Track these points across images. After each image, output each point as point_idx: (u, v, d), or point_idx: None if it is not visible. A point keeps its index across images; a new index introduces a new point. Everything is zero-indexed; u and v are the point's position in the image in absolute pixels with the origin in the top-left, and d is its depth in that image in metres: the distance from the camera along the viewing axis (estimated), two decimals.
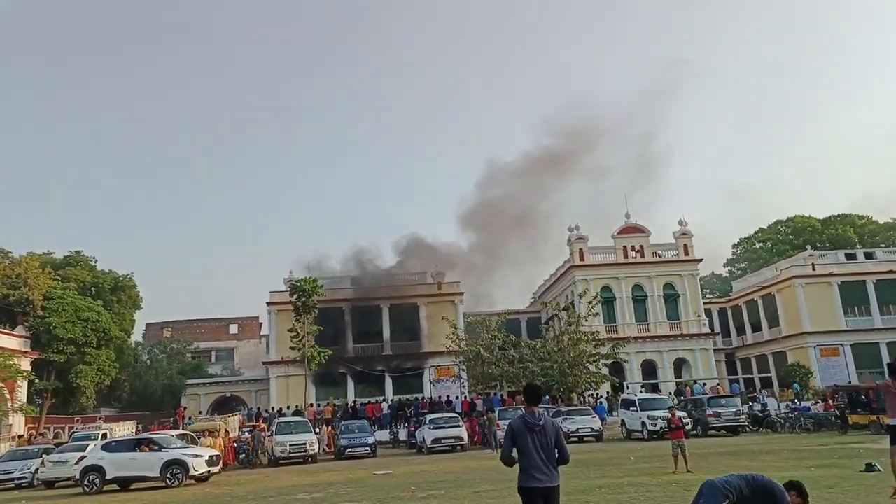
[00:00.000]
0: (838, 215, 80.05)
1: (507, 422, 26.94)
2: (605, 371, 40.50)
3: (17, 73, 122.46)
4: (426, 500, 12.47)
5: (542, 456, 6.17)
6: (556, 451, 6.31)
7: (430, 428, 28.09)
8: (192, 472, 19.45)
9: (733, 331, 59.88)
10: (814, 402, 36.29)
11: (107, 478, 19.44)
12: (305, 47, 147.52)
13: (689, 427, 27.38)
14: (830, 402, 30.38)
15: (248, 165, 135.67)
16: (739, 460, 16.74)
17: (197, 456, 19.84)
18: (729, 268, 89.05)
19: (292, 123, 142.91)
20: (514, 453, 6.34)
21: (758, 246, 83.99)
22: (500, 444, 25.85)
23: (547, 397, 34.73)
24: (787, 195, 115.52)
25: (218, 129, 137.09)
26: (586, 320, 39.40)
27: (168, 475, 19.22)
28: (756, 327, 57.29)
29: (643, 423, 27.66)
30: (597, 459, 18.90)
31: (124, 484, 20.16)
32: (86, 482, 19.36)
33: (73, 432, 36.43)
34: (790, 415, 29.25)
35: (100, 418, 46.88)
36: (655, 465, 16.24)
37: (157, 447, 19.65)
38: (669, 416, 15.10)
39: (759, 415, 30.43)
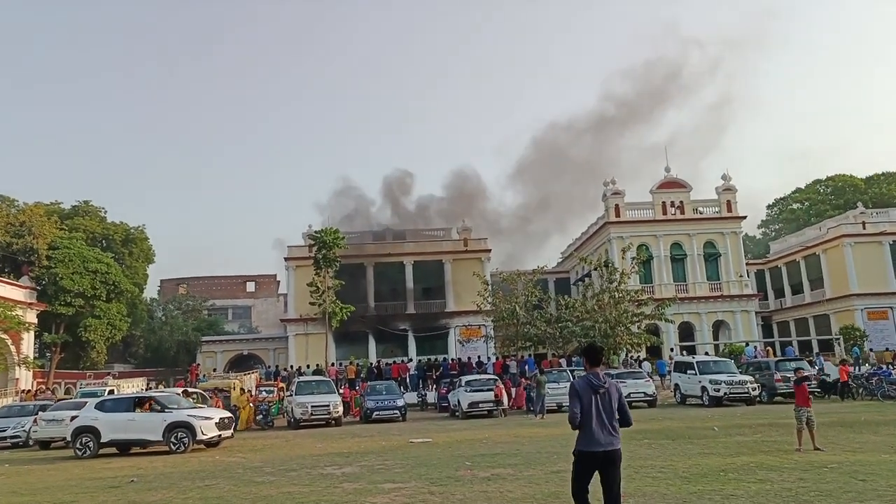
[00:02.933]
0: (883, 174, 75.89)
1: (553, 384, 24.63)
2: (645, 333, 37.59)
3: (32, 17, 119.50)
4: (495, 483, 9.62)
5: (606, 419, 5.89)
6: (619, 414, 6.02)
7: (466, 390, 25.34)
8: (199, 437, 16.76)
9: (771, 293, 56.68)
10: (876, 366, 33.11)
11: (102, 440, 16.87)
12: None
13: (755, 393, 24.62)
14: None
15: (271, 109, 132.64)
16: (859, 433, 13.87)
17: (206, 418, 17.12)
18: (763, 229, 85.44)
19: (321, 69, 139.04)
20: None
21: (794, 206, 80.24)
22: (545, 410, 23.63)
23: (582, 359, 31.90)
24: (856, 157, 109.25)
25: (241, 67, 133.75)
26: (629, 277, 36.39)
27: (172, 439, 16.61)
28: (796, 289, 54.28)
29: (704, 388, 24.74)
30: (675, 430, 16.02)
31: (122, 448, 17.63)
32: (78, 445, 16.83)
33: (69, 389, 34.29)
34: (870, 380, 26.20)
35: (112, 374, 44.99)
36: (759, 439, 13.39)
37: (159, 407, 16.97)
38: (796, 377, 12.11)
39: (827, 380, 27.34)
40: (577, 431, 5.95)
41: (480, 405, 24.66)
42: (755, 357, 34.44)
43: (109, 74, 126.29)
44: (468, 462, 11.92)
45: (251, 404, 26.09)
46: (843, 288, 48.45)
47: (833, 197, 75.01)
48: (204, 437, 16.90)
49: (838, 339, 37.95)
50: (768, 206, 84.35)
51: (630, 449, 12.69)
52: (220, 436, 17.41)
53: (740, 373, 25.75)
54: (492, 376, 28.45)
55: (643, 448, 12.65)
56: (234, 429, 18.97)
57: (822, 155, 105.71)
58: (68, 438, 17.39)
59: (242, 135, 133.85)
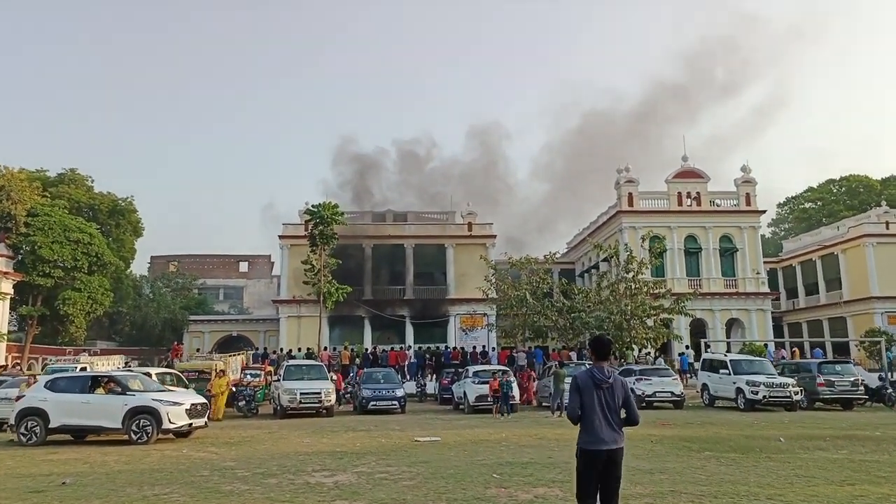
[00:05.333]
0: None
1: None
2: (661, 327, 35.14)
3: None
4: None
5: (609, 416, 5.54)
6: (625, 411, 5.60)
7: (474, 382, 22.86)
8: (165, 426, 14.18)
9: (783, 293, 54.39)
10: None
11: (51, 426, 14.29)
12: None
13: (798, 398, 22.14)
14: None
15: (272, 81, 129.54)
16: None
17: (174, 403, 14.52)
18: (773, 228, 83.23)
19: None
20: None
21: (806, 206, 78.14)
22: (563, 406, 21.15)
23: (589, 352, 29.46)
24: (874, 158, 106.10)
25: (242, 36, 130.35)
26: (647, 267, 33.90)
27: (133, 427, 14.04)
28: (810, 290, 51.95)
29: (739, 390, 22.23)
30: (732, 440, 13.38)
31: (76, 434, 15.04)
32: (22, 430, 14.25)
33: (47, 364, 31.67)
34: None
35: (93, 351, 42.45)
36: (852, 457, 10.77)
37: (119, 389, 14.36)
38: None
39: (868, 385, 24.89)
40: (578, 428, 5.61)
41: (490, 398, 22.14)
42: (772, 358, 32.11)
43: (102, 36, 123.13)
44: (496, 475, 9.34)
45: (232, 388, 23.37)
46: (862, 290, 46.21)
47: (847, 197, 73.09)
48: (171, 426, 14.28)
49: (877, 341, 35.10)
50: (779, 205, 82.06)
51: (698, 464, 10.18)
52: (191, 425, 14.82)
53: (778, 374, 23.26)
54: (504, 367, 25.94)
55: (712, 464, 10.11)
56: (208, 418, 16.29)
57: (849, 154, 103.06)
58: (12, 422, 14.79)
59: (244, 112, 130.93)
